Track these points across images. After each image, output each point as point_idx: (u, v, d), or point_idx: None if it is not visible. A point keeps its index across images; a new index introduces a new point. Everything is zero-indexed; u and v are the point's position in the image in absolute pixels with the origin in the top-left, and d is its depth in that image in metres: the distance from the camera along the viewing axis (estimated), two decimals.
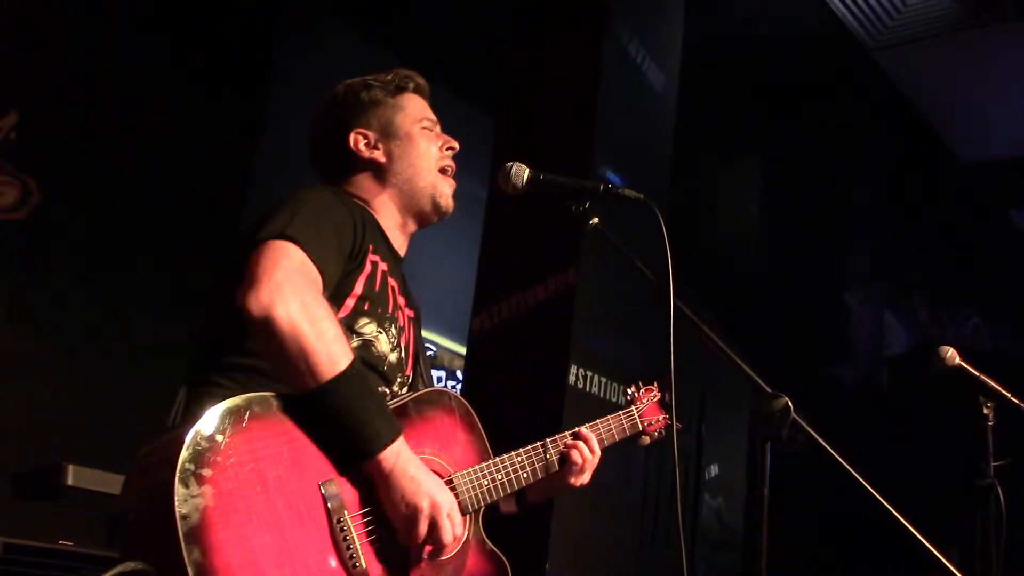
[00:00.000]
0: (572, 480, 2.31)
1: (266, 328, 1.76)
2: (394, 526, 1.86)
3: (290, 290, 1.78)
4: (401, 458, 1.85)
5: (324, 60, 5.61)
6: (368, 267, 2.07)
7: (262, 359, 1.88)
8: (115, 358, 4.57)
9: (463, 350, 5.87)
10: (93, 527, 3.20)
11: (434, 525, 1.86)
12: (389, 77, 2.34)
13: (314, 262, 1.86)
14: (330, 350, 1.79)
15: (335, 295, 1.99)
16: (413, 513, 1.84)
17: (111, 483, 2.98)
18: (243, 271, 1.83)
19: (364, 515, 1.84)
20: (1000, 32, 6.67)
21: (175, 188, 4.87)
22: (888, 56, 7.13)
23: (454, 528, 1.90)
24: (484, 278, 4.78)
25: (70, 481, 3.00)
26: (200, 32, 5.06)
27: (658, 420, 2.58)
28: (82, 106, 4.56)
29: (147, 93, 4.79)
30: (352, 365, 1.82)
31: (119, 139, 4.69)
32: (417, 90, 2.37)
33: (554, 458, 2.25)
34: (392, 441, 1.84)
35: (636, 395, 2.56)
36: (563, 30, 4.97)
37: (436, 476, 1.92)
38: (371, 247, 2.09)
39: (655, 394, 2.62)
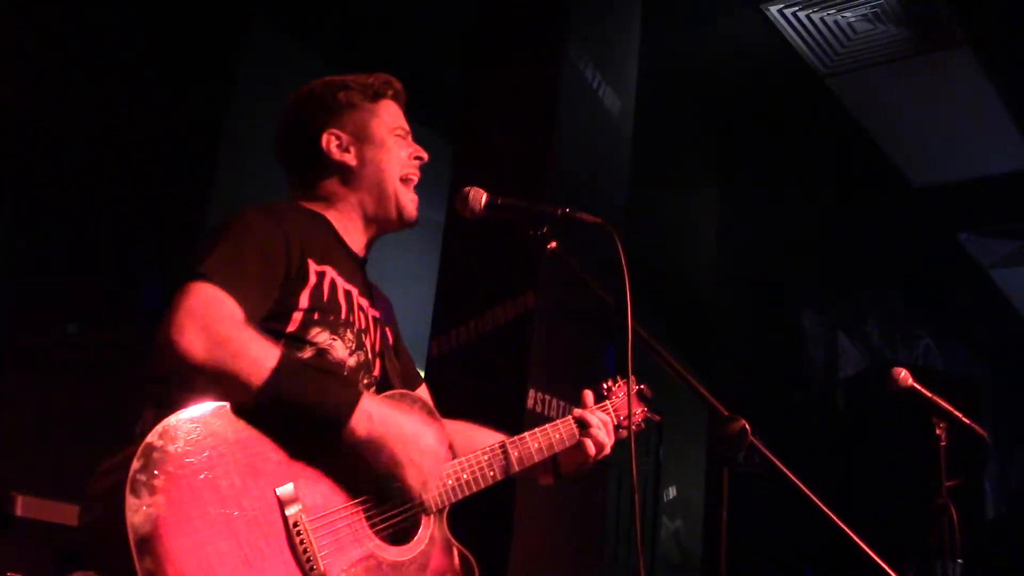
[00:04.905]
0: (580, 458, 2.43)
1: (184, 369, 1.76)
2: (385, 488, 1.95)
3: (191, 327, 1.77)
4: (376, 421, 1.89)
5: (283, 83, 5.58)
6: (313, 279, 2.06)
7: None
8: (66, 384, 4.48)
9: (421, 374, 5.83)
10: (43, 558, 3.13)
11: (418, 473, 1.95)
12: (369, 81, 2.34)
13: (229, 293, 1.85)
14: (253, 358, 1.80)
15: (279, 313, 1.99)
16: (399, 471, 1.93)
17: (62, 513, 2.93)
18: None
19: (321, 518, 1.84)
20: (947, 59, 6.81)
21: (129, 202, 4.79)
22: (839, 83, 7.26)
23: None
24: (442, 302, 4.76)
25: (19, 511, 2.94)
26: (162, 39, 5.00)
27: (635, 413, 2.54)
28: (34, 117, 4.49)
29: (104, 101, 4.71)
30: (282, 360, 1.83)
31: (70, 148, 4.60)
32: (395, 97, 2.37)
33: (519, 455, 2.30)
34: (352, 407, 1.87)
35: (612, 389, 2.52)
36: (520, 56, 4.99)
37: (413, 425, 1.98)
38: (312, 260, 2.08)
39: (634, 388, 2.58)
